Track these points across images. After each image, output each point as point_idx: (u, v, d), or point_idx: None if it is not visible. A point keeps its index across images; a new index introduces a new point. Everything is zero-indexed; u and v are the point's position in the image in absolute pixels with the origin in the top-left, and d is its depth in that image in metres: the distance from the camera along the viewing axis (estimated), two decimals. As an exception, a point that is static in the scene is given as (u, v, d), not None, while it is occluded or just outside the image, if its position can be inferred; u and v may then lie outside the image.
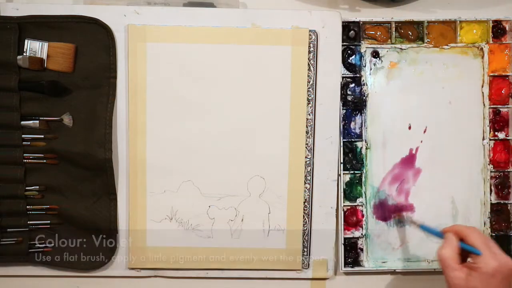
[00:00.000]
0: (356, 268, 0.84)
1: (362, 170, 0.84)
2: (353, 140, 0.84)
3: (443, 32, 0.84)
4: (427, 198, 0.84)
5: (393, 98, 0.84)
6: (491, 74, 0.84)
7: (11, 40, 0.78)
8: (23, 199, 0.81)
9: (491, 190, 0.85)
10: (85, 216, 0.81)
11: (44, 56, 0.79)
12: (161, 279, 0.84)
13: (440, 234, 0.74)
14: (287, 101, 0.82)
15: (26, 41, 0.79)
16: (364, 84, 0.84)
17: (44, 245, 0.82)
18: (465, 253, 0.71)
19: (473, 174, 0.85)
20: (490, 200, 0.85)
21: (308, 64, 0.82)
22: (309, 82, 0.82)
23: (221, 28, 0.81)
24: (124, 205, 0.82)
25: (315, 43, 0.82)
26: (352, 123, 0.84)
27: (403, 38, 0.84)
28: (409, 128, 0.84)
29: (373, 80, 0.84)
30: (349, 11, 0.84)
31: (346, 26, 0.83)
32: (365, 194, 0.84)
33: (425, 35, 0.84)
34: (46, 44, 0.79)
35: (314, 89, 0.82)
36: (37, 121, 0.80)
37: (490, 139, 0.85)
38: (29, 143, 0.80)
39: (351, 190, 0.84)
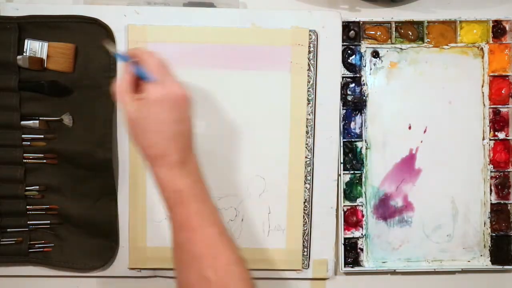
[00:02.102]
0: (356, 268, 0.84)
1: (362, 170, 0.84)
2: (353, 140, 0.84)
3: (443, 32, 0.84)
4: (427, 198, 0.84)
5: (393, 98, 0.84)
6: (491, 74, 0.84)
7: (11, 40, 0.78)
8: (23, 199, 0.81)
9: (491, 190, 0.85)
10: (85, 216, 0.81)
11: (44, 56, 0.79)
12: (161, 279, 0.84)
13: (125, 58, 0.68)
14: (287, 101, 0.82)
15: (26, 41, 0.79)
16: (364, 84, 0.84)
17: (44, 245, 0.82)
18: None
19: (473, 174, 0.85)
20: (490, 200, 0.85)
21: (308, 64, 0.82)
22: (309, 82, 0.82)
23: (221, 28, 0.81)
24: (124, 205, 0.82)
25: (315, 43, 0.82)
26: (352, 123, 0.84)
27: (403, 38, 0.84)
28: (409, 128, 0.84)
29: (373, 80, 0.84)
30: (349, 11, 0.84)
31: (346, 26, 0.83)
32: (365, 194, 0.84)
33: (425, 35, 0.84)
34: (46, 44, 0.79)
35: (314, 89, 0.82)
36: (37, 121, 0.80)
37: (490, 139, 0.85)
38: (29, 143, 0.80)
39: (351, 190, 0.84)
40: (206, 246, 0.62)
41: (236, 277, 0.62)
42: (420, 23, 0.84)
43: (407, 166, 0.84)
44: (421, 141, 0.84)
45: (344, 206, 0.84)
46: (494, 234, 0.85)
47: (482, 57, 0.84)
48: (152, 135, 0.64)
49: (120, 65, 0.77)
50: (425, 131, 0.84)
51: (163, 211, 0.82)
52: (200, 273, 0.61)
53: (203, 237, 0.63)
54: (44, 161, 0.80)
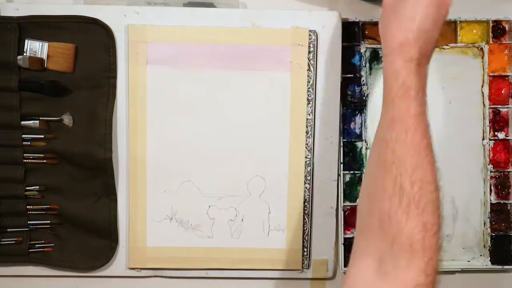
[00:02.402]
0: (356, 268, 0.84)
1: (362, 170, 0.84)
2: (353, 140, 0.84)
3: (443, 32, 0.83)
4: (427, 198, 0.84)
5: (393, 98, 0.84)
6: (491, 74, 0.84)
7: (11, 40, 0.78)
8: (23, 199, 0.81)
9: (491, 190, 0.85)
10: (85, 216, 0.81)
11: (44, 56, 0.79)
12: (161, 279, 0.84)
13: None
14: (287, 101, 0.82)
15: (26, 41, 0.79)
16: (364, 84, 0.84)
17: (44, 245, 0.82)
18: None
19: (473, 174, 0.85)
20: (490, 200, 0.85)
21: (308, 64, 0.82)
22: (309, 82, 0.82)
23: (221, 28, 0.81)
24: (124, 205, 0.82)
25: (315, 43, 0.82)
26: (352, 123, 0.84)
27: (403, 38, 0.84)
28: (409, 128, 0.84)
29: (373, 80, 0.84)
30: (349, 11, 0.84)
31: (346, 26, 0.83)
32: (365, 194, 0.84)
33: (425, 35, 0.84)
34: (46, 44, 0.79)
35: (314, 89, 0.82)
36: (37, 121, 0.80)
37: (490, 139, 0.85)
38: (29, 143, 0.80)
39: (351, 190, 0.84)
40: (413, 152, 0.59)
41: (429, 198, 0.57)
42: (420, 23, 0.84)
43: (407, 166, 0.84)
44: (421, 141, 0.84)
45: (344, 206, 0.84)
46: (494, 234, 0.85)
47: (482, 57, 0.84)
48: (405, 19, 0.62)
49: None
50: (425, 131, 0.84)
51: (163, 211, 0.82)
52: (399, 179, 0.58)
53: (413, 142, 0.59)
54: (44, 161, 0.80)
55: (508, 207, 0.85)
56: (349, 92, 0.84)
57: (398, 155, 0.58)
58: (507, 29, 0.84)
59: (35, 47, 0.79)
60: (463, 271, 0.85)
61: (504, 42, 0.84)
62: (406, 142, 0.59)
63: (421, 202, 0.57)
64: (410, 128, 0.59)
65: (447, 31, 0.84)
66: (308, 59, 0.82)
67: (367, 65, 0.84)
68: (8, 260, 0.81)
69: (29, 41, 0.79)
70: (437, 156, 0.81)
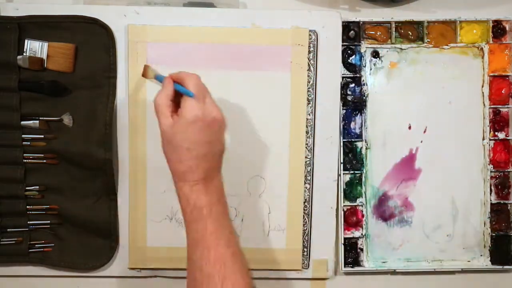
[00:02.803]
0: (356, 268, 0.84)
1: (362, 170, 0.84)
2: (353, 140, 0.84)
3: (443, 32, 0.84)
4: (427, 198, 0.84)
5: (393, 98, 0.84)
6: (491, 74, 0.84)
7: (11, 40, 0.78)
8: (23, 199, 0.81)
9: (491, 190, 0.85)
10: (85, 216, 0.81)
11: (44, 56, 0.79)
12: (161, 279, 0.84)
13: (161, 78, 0.71)
14: (287, 101, 0.82)
15: (26, 41, 0.79)
16: (364, 84, 0.84)
17: (44, 245, 0.82)
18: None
19: (473, 174, 0.85)
20: (490, 200, 0.85)
21: (308, 64, 0.82)
22: (309, 82, 0.82)
23: (221, 28, 0.81)
24: (124, 205, 0.82)
25: (315, 43, 0.82)
26: (352, 123, 0.84)
27: (403, 38, 0.84)
28: (409, 128, 0.84)
29: (373, 80, 0.84)
30: (349, 11, 0.84)
31: (346, 26, 0.83)
32: (365, 194, 0.84)
33: (425, 35, 0.84)
34: (46, 44, 0.79)
35: (314, 89, 0.82)
36: (37, 121, 0.80)
37: (490, 139, 0.85)
38: (29, 143, 0.80)
39: (351, 190, 0.84)
40: (217, 266, 0.63)
41: None
42: (420, 23, 0.84)
43: (407, 166, 0.84)
44: (421, 141, 0.84)
45: (344, 206, 0.84)
46: (494, 234, 0.85)
47: (482, 57, 0.84)
48: (182, 151, 0.65)
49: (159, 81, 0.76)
50: (425, 131, 0.84)
51: (163, 211, 0.82)
52: None
53: (216, 256, 0.64)
54: (44, 161, 0.80)
55: (508, 207, 0.85)
56: (349, 92, 0.84)
57: (206, 272, 0.63)
58: (507, 29, 0.84)
59: (35, 47, 0.79)
60: (463, 271, 0.85)
61: (504, 42, 0.84)
62: (210, 259, 0.64)
63: None
64: (211, 245, 0.64)
65: (447, 31, 0.84)
66: (308, 59, 0.82)
67: (367, 65, 0.84)
68: (8, 260, 0.81)
69: (29, 41, 0.79)
70: (437, 156, 0.81)
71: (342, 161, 0.84)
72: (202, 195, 0.65)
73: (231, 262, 0.64)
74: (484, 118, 0.85)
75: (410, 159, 0.84)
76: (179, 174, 0.66)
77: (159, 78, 0.73)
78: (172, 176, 0.67)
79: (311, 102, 0.82)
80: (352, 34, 0.84)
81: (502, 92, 0.85)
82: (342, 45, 0.83)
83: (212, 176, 0.67)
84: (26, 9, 0.80)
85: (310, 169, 0.83)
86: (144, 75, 0.76)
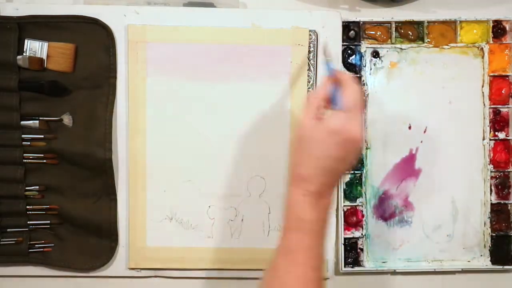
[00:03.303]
0: (356, 268, 0.84)
1: (362, 170, 0.84)
2: (353, 140, 0.84)
3: (443, 32, 0.84)
4: (427, 198, 0.84)
5: (393, 98, 0.84)
6: (491, 74, 0.84)
7: (11, 40, 0.78)
8: (23, 199, 0.81)
9: (491, 190, 0.85)
10: (85, 216, 0.81)
11: (44, 56, 0.79)
12: (161, 279, 0.84)
13: (332, 72, 0.68)
14: (287, 101, 0.82)
15: (26, 41, 0.79)
16: (364, 84, 0.84)
17: (44, 245, 0.82)
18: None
19: (473, 174, 0.85)
20: (490, 200, 0.85)
21: (308, 64, 0.82)
22: (309, 82, 0.82)
23: (221, 28, 0.81)
24: (124, 205, 0.82)
25: (315, 43, 0.82)
26: (352, 123, 0.84)
27: (403, 38, 0.84)
28: (409, 128, 0.84)
29: (373, 80, 0.84)
30: (349, 11, 0.84)
31: (346, 26, 0.83)
32: (365, 194, 0.84)
33: (425, 35, 0.84)
34: (46, 44, 0.79)
35: (314, 89, 0.82)
36: (37, 121, 0.80)
37: (490, 139, 0.85)
38: (29, 143, 0.80)
39: (351, 190, 0.84)
40: (298, 284, 0.61)
41: None
42: (420, 23, 0.84)
43: (407, 166, 0.84)
44: (421, 141, 0.84)
45: (344, 206, 0.84)
46: (494, 234, 0.85)
47: (482, 57, 0.84)
48: (309, 158, 0.63)
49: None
50: (425, 131, 0.84)
51: (163, 211, 0.82)
52: None
53: (302, 275, 0.61)
54: (44, 161, 0.80)
55: (508, 207, 0.85)
56: (349, 92, 0.84)
57: (284, 283, 0.61)
58: (507, 29, 0.84)
59: (35, 47, 0.79)
60: (463, 271, 0.85)
61: (504, 42, 0.84)
62: (296, 274, 0.61)
63: None
64: (300, 262, 0.61)
65: (447, 31, 0.84)
66: (308, 59, 0.82)
67: (367, 65, 0.84)
68: (8, 260, 0.81)
69: (29, 41, 0.79)
70: (437, 156, 0.81)
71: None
72: (310, 209, 0.62)
73: (312, 285, 0.61)
74: (484, 118, 0.85)
75: (410, 159, 0.84)
76: (295, 178, 0.63)
77: (328, 66, 0.69)
78: (289, 178, 0.64)
79: (311, 102, 0.82)
80: (352, 34, 0.84)
81: (502, 92, 0.85)
82: (342, 45, 0.83)
83: (326, 193, 0.64)
84: (26, 9, 0.80)
85: (310, 169, 0.83)
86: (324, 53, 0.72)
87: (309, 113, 0.64)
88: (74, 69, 0.80)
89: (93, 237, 0.82)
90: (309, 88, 0.82)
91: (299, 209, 0.63)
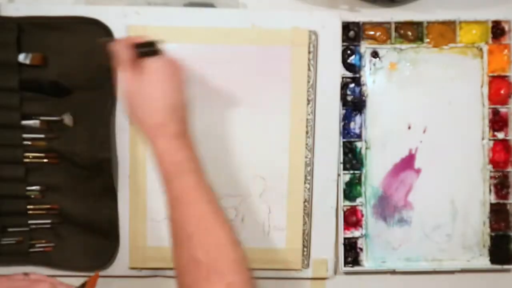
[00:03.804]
0: (356, 268, 0.84)
1: (362, 170, 0.84)
2: (353, 140, 0.84)
3: (443, 33, 0.84)
4: (426, 198, 0.84)
5: (393, 98, 0.84)
6: (491, 74, 0.84)
7: (11, 40, 0.78)
8: (24, 199, 0.81)
9: (490, 190, 0.85)
10: (86, 216, 0.81)
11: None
12: (161, 279, 0.84)
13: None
14: (287, 101, 0.82)
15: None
16: (364, 84, 0.84)
17: (44, 245, 0.82)
18: None
19: (473, 174, 0.85)
20: (490, 200, 0.85)
21: (308, 64, 0.82)
22: (309, 82, 0.82)
23: (221, 28, 0.81)
24: (125, 205, 0.82)
25: (315, 43, 0.82)
26: (352, 123, 0.84)
27: (402, 38, 0.84)
28: (409, 128, 0.84)
29: (373, 80, 0.84)
30: (349, 11, 0.84)
31: (346, 26, 0.83)
32: (365, 194, 0.84)
33: (425, 35, 0.84)
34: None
35: (314, 89, 0.82)
36: (38, 121, 0.80)
37: (489, 139, 0.85)
38: (29, 142, 0.80)
39: (351, 190, 0.84)
40: (199, 223, 0.61)
41: (227, 259, 0.59)
42: (419, 24, 0.84)
43: (407, 166, 0.84)
44: (421, 141, 0.84)
45: (344, 206, 0.84)
46: (493, 234, 0.85)
47: (482, 58, 0.85)
48: (152, 104, 0.64)
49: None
50: (424, 131, 0.84)
51: (164, 210, 0.82)
52: (191, 253, 0.59)
53: (197, 212, 0.61)
54: (45, 160, 0.81)
55: (508, 207, 0.85)
56: (349, 92, 0.84)
57: (187, 230, 0.60)
58: (506, 29, 0.84)
59: None
60: (463, 270, 0.85)
61: (503, 42, 0.84)
62: (190, 215, 0.61)
63: (220, 265, 0.58)
64: (191, 201, 0.62)
65: (447, 31, 0.84)
66: (308, 59, 0.82)
67: (367, 65, 0.84)
68: (8, 260, 0.81)
69: None
70: (437, 156, 0.82)
71: (342, 161, 0.84)
72: (179, 149, 0.64)
73: (213, 218, 0.61)
74: (483, 118, 0.85)
75: (409, 159, 0.84)
76: (151, 130, 0.64)
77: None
78: (144, 135, 0.65)
79: (311, 102, 0.82)
80: (352, 34, 0.84)
81: (502, 92, 0.85)
82: (342, 45, 0.83)
83: (184, 129, 0.65)
84: (26, 10, 0.80)
85: (310, 169, 0.83)
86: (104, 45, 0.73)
87: (126, 70, 0.67)
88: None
89: (93, 237, 0.82)
90: (309, 88, 0.82)
91: (169, 155, 0.63)
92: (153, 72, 0.66)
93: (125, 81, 0.66)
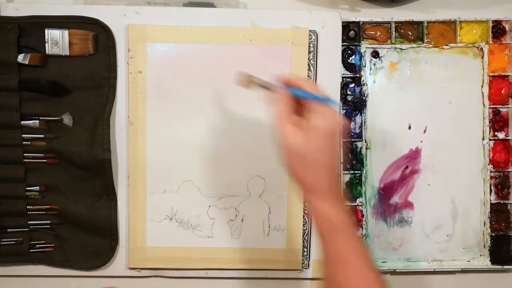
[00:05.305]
0: (356, 268, 0.84)
1: (362, 170, 0.84)
2: (353, 140, 0.84)
3: (443, 32, 0.84)
4: (427, 198, 0.84)
5: (393, 98, 0.84)
6: (491, 74, 0.84)
7: (11, 40, 0.78)
8: (24, 199, 0.81)
9: (491, 190, 0.85)
10: (85, 216, 0.81)
11: (67, 44, 0.79)
12: (161, 279, 0.84)
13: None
14: (287, 101, 0.82)
15: (46, 30, 0.78)
16: (364, 84, 0.84)
17: (44, 245, 0.82)
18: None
19: (473, 174, 0.85)
20: (490, 200, 0.85)
21: (308, 64, 0.82)
22: (309, 82, 0.82)
23: (221, 28, 0.81)
24: (124, 205, 0.82)
25: (315, 43, 0.82)
26: (352, 123, 0.84)
27: (403, 38, 0.84)
28: (409, 128, 0.84)
29: (373, 80, 0.84)
30: (349, 11, 0.84)
31: (346, 26, 0.83)
32: (365, 194, 0.84)
33: (425, 35, 0.84)
34: (66, 32, 0.79)
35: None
36: (37, 121, 0.80)
37: (490, 139, 0.85)
38: (29, 142, 0.80)
39: (351, 190, 0.84)
40: (359, 281, 0.60)
41: None
42: (420, 23, 0.84)
43: (407, 166, 0.84)
44: (421, 141, 0.84)
45: (344, 206, 0.84)
46: (494, 234, 0.85)
47: (482, 57, 0.84)
48: (312, 166, 0.60)
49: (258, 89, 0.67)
50: (425, 131, 0.84)
51: (163, 211, 0.82)
52: None
53: (356, 271, 0.60)
54: (45, 161, 0.80)
55: (508, 207, 0.85)
56: (349, 92, 0.84)
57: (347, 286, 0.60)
58: (507, 29, 0.84)
59: (56, 36, 0.79)
60: (463, 271, 0.85)
61: (504, 42, 0.84)
62: (350, 274, 0.60)
63: None
64: (349, 260, 0.60)
65: (447, 31, 0.84)
66: (308, 59, 0.82)
67: (367, 65, 0.84)
68: (9, 260, 0.81)
69: (49, 31, 0.78)
70: (437, 156, 0.81)
71: (342, 161, 0.84)
72: (339, 209, 0.61)
73: (371, 277, 0.60)
74: (484, 118, 0.85)
75: (409, 159, 0.84)
76: (307, 188, 0.61)
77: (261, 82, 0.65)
78: (301, 191, 0.63)
79: (311, 102, 0.82)
80: (352, 34, 0.84)
81: (502, 92, 0.85)
82: (342, 45, 0.83)
83: (336, 187, 0.62)
84: (26, 9, 0.80)
85: (310, 169, 0.83)
86: (245, 85, 0.66)
87: (286, 128, 0.60)
88: (96, 51, 0.80)
89: (93, 237, 0.82)
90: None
91: (324, 213, 0.61)
92: (320, 132, 0.60)
93: (286, 135, 0.60)
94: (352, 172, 0.84)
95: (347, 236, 0.61)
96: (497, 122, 0.85)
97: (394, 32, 0.84)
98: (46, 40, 0.79)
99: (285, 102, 0.62)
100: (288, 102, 0.62)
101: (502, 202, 0.85)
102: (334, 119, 0.60)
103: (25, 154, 0.80)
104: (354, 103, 0.84)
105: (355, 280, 0.60)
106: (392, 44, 0.84)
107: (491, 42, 0.84)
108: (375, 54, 0.84)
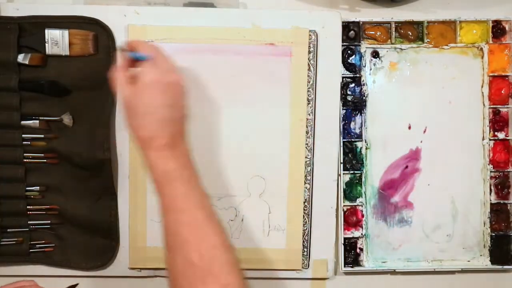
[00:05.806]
0: (356, 268, 0.84)
1: (362, 170, 0.84)
2: (353, 140, 0.84)
3: (443, 32, 0.84)
4: (427, 198, 0.84)
5: (393, 98, 0.84)
6: (491, 74, 0.84)
7: (11, 40, 0.78)
8: (24, 199, 0.81)
9: (491, 190, 0.85)
10: (86, 216, 0.81)
11: (67, 44, 0.79)
12: (161, 279, 0.84)
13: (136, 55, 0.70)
14: (287, 101, 0.82)
15: (46, 30, 0.78)
16: (364, 84, 0.84)
17: (44, 245, 0.82)
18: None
19: (473, 174, 0.85)
20: (490, 200, 0.85)
21: (308, 64, 0.82)
22: (309, 82, 0.82)
23: (221, 28, 0.81)
24: (125, 205, 0.82)
25: (315, 43, 0.82)
26: (352, 123, 0.84)
27: (403, 38, 0.84)
28: (409, 128, 0.84)
29: (373, 80, 0.84)
30: (349, 11, 0.84)
31: (346, 26, 0.83)
32: (365, 194, 0.84)
33: (425, 35, 0.84)
34: (66, 32, 0.79)
35: (314, 89, 0.82)
36: (37, 121, 0.80)
37: (490, 139, 0.85)
38: (29, 142, 0.80)
39: (351, 190, 0.84)
40: (192, 229, 0.63)
41: (221, 261, 0.61)
42: (420, 23, 0.84)
43: (407, 166, 0.84)
44: (421, 141, 0.84)
45: (344, 206, 0.84)
46: (493, 234, 0.85)
47: (482, 57, 0.84)
48: (144, 117, 0.65)
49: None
50: (425, 131, 0.84)
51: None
52: (186, 257, 0.61)
53: (190, 219, 0.63)
54: (45, 161, 0.81)
55: (508, 207, 0.85)
56: (349, 92, 0.84)
57: (182, 236, 0.62)
58: (507, 29, 0.84)
59: (55, 36, 0.79)
60: (463, 271, 0.85)
61: (504, 42, 0.84)
62: (183, 222, 0.63)
63: (215, 268, 0.60)
64: (183, 209, 0.64)
65: (447, 31, 0.84)
66: (308, 59, 0.82)
67: (367, 65, 0.84)
68: (9, 260, 0.82)
69: (49, 31, 0.78)
70: (437, 156, 0.81)
71: (342, 161, 0.84)
72: (168, 160, 0.65)
73: (205, 223, 0.63)
74: (484, 118, 0.85)
75: (409, 159, 0.84)
76: (142, 141, 0.66)
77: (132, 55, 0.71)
78: (138, 146, 0.67)
79: (311, 102, 0.82)
80: (352, 34, 0.84)
81: (502, 92, 0.85)
82: (342, 45, 0.83)
83: (176, 142, 0.66)
84: (26, 9, 0.80)
85: (310, 169, 0.83)
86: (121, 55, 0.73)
87: (120, 83, 0.67)
88: (97, 51, 0.80)
89: (93, 237, 0.82)
90: (309, 88, 0.82)
91: (160, 165, 0.65)
92: (146, 84, 0.66)
93: (121, 88, 0.67)
94: (352, 172, 0.84)
95: (179, 184, 0.64)
96: (497, 122, 0.85)
97: (394, 32, 0.84)
98: (46, 40, 0.79)
99: (122, 63, 0.69)
100: (125, 63, 0.69)
101: (502, 202, 0.85)
102: (159, 72, 0.66)
103: (25, 154, 0.80)
104: (354, 103, 0.84)
105: (187, 227, 0.63)
106: (392, 44, 0.84)
107: (491, 42, 0.84)
108: (375, 54, 0.84)
